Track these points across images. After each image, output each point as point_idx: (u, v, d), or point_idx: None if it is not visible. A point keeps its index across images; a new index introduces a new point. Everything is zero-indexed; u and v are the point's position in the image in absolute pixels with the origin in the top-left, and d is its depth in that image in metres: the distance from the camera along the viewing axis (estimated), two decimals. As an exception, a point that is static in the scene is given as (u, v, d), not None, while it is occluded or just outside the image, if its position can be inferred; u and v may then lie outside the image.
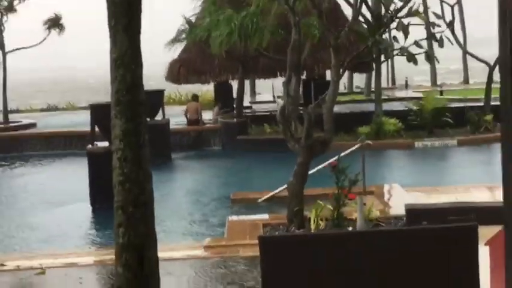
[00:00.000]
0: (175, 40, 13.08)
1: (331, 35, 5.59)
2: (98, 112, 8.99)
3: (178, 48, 13.64)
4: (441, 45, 6.46)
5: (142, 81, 2.56)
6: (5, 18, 14.40)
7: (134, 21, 2.47)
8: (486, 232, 2.56)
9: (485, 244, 2.66)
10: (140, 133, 2.52)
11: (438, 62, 12.00)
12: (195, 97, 14.46)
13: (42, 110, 20.74)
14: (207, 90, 17.61)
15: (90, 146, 8.63)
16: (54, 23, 14.53)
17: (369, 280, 3.12)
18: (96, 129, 9.08)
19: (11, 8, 14.05)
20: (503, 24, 0.58)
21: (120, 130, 2.45)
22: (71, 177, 10.24)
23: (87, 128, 9.69)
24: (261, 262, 3.30)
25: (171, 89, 16.83)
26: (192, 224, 7.48)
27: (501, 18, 0.59)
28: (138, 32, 2.51)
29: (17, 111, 18.74)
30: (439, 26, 7.15)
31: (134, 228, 2.43)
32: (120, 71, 2.44)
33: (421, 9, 8.21)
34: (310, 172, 5.43)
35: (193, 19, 13.05)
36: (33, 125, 15.41)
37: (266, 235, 4.17)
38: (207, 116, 14.61)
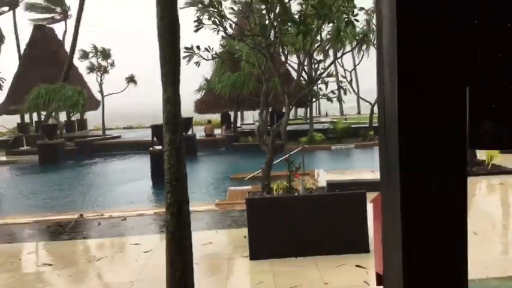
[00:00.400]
0: (199, 89, 17.61)
1: (285, 86, 7.01)
2: (156, 129, 11.75)
3: (199, 94, 18.15)
4: (345, 93, 7.87)
5: (180, 112, 3.18)
6: (102, 76, 19.69)
7: (176, 78, 3.16)
8: (371, 195, 3.07)
9: (370, 202, 3.26)
10: (179, 141, 3.24)
11: (344, 102, 16.01)
12: (209, 121, 18.86)
13: (123, 128, 26.37)
14: (216, 117, 21.58)
15: (151, 148, 10.99)
16: (131, 79, 19.92)
17: (303, 223, 4.28)
18: (154, 139, 12.23)
19: (105, 71, 19.86)
20: (379, 80, 0.76)
21: (168, 139, 3.16)
22: (140, 166, 12.79)
23: (149, 139, 12.78)
24: (247, 213, 4.40)
25: (197, 116, 20.87)
26: (208, 191, 9.48)
27: (378, 77, 0.76)
28: (178, 85, 3.18)
29: (110, 129, 23.26)
30: (344, 82, 8.13)
31: (176, 193, 3.21)
32: (168, 106, 3.12)
33: (334, 73, 9.74)
34: (274, 162, 6.40)
35: (208, 77, 17.09)
36: (118, 137, 20.02)
37: (249, 197, 5.03)
38: (216, 131, 18.49)
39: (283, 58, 6.88)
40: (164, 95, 3.17)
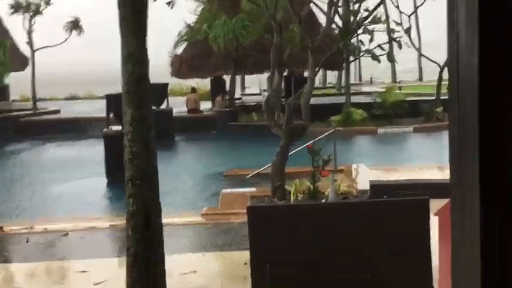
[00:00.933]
0: (178, 41, 17.25)
1: (309, 38, 7.54)
2: (112, 101, 11.82)
3: (180, 48, 17.64)
4: (400, 47, 8.76)
5: (148, 75, 3.35)
6: (33, 20, 19.04)
7: (141, 25, 3.35)
8: (436, 204, 3.34)
9: (435, 214, 3.55)
10: (146, 118, 3.37)
11: (397, 62, 15.13)
12: (193, 89, 18.98)
13: (65, 99, 26.41)
14: (204, 84, 21.65)
15: (105, 129, 11.26)
16: (74, 25, 19.33)
17: (334, 245, 4.42)
18: (111, 115, 12.40)
19: (37, 12, 19.15)
20: (450, 30, 0.81)
21: (130, 116, 3.29)
22: (90, 155, 13.13)
23: (103, 115, 12.96)
24: (249, 228, 4.52)
25: (176, 82, 21.11)
26: (191, 194, 9.64)
27: (449, 25, 0.83)
28: (145, 35, 3.36)
29: (44, 99, 23.58)
30: (398, 31, 9.06)
31: (141, 197, 3.34)
32: (129, 66, 3.32)
33: (383, 18, 10.40)
34: (290, 153, 6.70)
35: (192, 23, 17.04)
36: (57, 111, 20.27)
37: (253, 205, 4.97)
38: (204, 105, 18.69)
39: None
40: (124, 50, 3.35)
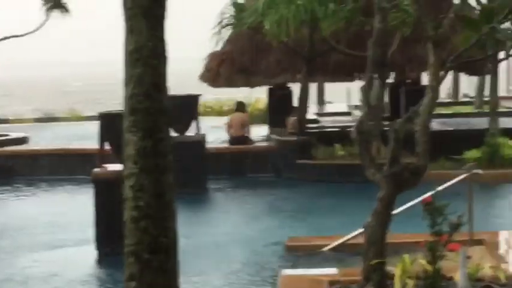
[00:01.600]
0: (218, 31, 14.43)
1: (430, 23, 6.29)
2: (109, 124, 9.80)
3: (220, 42, 15.29)
4: None
5: (166, 83, 2.63)
6: None
7: (157, 3, 2.58)
8: None
9: None
10: (161, 153, 2.58)
11: None
12: (240, 106, 16.11)
13: (36, 120, 24.11)
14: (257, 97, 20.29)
15: (96, 169, 9.40)
16: (56, 4, 16.79)
17: None
18: (105, 145, 10.07)
19: None
20: None
21: (134, 149, 2.53)
22: (74, 210, 11.66)
23: (92, 145, 11.14)
24: None
25: (209, 94, 18.92)
26: (235, 275, 8.39)
27: None
28: (162, 17, 2.61)
29: (5, 121, 22.09)
30: None
31: (151, 283, 2.54)
32: (137, 68, 2.53)
33: None
34: (395, 211, 5.95)
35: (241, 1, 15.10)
36: (24, 140, 17.67)
37: None
38: (258, 131, 16.58)
39: None
40: (128, 42, 2.65)
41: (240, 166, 14.45)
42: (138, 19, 2.58)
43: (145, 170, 2.56)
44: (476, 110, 20.14)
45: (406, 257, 5.10)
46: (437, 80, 6.11)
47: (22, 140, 17.86)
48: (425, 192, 6.28)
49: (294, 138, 14.74)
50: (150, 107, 2.57)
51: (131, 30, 2.60)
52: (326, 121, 18.28)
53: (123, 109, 2.65)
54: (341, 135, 13.31)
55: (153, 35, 2.59)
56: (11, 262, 9.38)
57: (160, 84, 2.61)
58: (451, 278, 4.77)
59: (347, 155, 12.64)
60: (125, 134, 2.65)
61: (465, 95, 25.77)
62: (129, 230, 2.58)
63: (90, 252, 9.03)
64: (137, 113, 2.57)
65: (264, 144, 15.59)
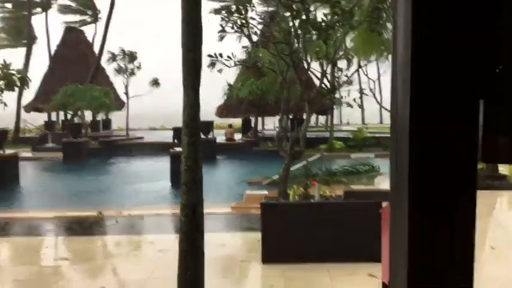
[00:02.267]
0: (223, 95, 30.83)
1: (307, 94, 9.29)
2: (177, 131, 19.23)
3: (222, 99, 31.53)
4: (361, 98, 19.95)
5: (199, 116, 4.61)
6: (129, 78, 34.91)
7: (197, 82, 4.58)
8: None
9: (380, 211, 4.85)
10: (196, 144, 4.54)
11: (364, 109, 36.14)
12: (230, 126, 31.86)
13: (147, 129, 39.96)
14: (237, 122, 34.06)
15: (171, 150, 16.92)
16: (155, 82, 34.86)
17: (317, 230, 6.40)
18: (175, 140, 20.88)
19: (132, 73, 34.78)
20: (393, 91, 1.37)
21: (186, 142, 4.49)
22: (161, 167, 18.62)
23: (171, 140, 22.56)
24: (261, 217, 6.44)
25: (218, 121, 32.21)
26: (225, 194, 14.02)
27: (392, 88, 1.34)
28: (199, 88, 4.60)
29: (133, 129, 37.02)
30: (365, 89, 21.81)
31: (191, 195, 4.49)
32: (187, 110, 4.49)
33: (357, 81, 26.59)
34: (292, 169, 8.66)
35: (232, 82, 30.16)
36: (141, 138, 32.84)
37: (264, 202, 7.41)
38: (237, 136, 30.23)
39: (306, 66, 10.21)
40: (185, 99, 4.89)
41: (229, 151, 27.15)
42: (189, 89, 4.72)
43: (190, 150, 4.63)
44: (324, 129, 33.91)
45: (295, 186, 7.92)
46: (309, 116, 9.43)
47: (140, 138, 32.85)
48: (303, 162, 11.10)
49: (252, 138, 28.94)
50: (192, 125, 4.60)
51: (186, 94, 4.87)
52: (265, 133, 31.74)
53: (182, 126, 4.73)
54: (271, 138, 24.59)
55: (194, 96, 4.78)
56: (129, 189, 16.31)
57: (196, 117, 4.66)
58: (313, 196, 7.55)
59: (273, 146, 21.16)
60: (182, 136, 4.76)
61: (320, 123, 41.77)
62: (183, 174, 4.68)
63: (167, 184, 16.03)
64: (187, 127, 4.59)
65: (240, 141, 29.37)
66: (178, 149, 16.14)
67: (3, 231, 9.74)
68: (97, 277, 7.01)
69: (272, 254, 6.84)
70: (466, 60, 0.92)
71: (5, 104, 22.52)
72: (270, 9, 25.79)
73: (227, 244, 8.15)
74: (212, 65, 9.05)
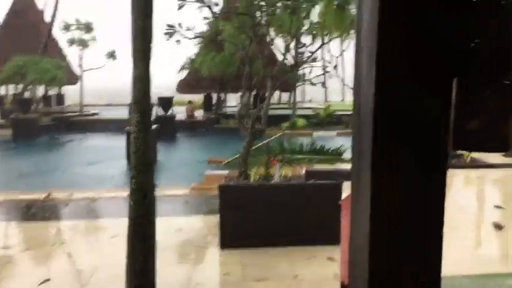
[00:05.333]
0: (182, 69, 30.33)
1: (269, 70, 9.05)
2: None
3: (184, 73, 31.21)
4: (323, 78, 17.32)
5: (150, 92, 4.49)
6: (83, 50, 33.88)
7: (148, 53, 4.39)
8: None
9: (340, 202, 4.64)
10: (147, 122, 4.41)
11: (327, 87, 33.47)
12: (190, 102, 31.49)
13: (103, 105, 38.96)
14: (199, 98, 33.93)
15: (127, 127, 15.27)
16: (111, 55, 33.57)
17: (276, 213, 6.39)
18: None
19: (85, 44, 33.56)
20: (356, 67, 0.99)
21: (135, 120, 4.36)
22: (118, 145, 18.15)
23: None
24: (219, 200, 6.36)
25: (179, 97, 31.96)
26: (184, 174, 13.85)
27: (356, 58, 0.99)
28: (149, 59, 4.43)
29: (88, 105, 35.83)
30: (328, 67, 15.88)
31: (141, 179, 4.37)
32: (137, 84, 4.33)
33: (320, 58, 24.30)
34: (253, 148, 8.46)
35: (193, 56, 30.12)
36: (96, 114, 32.19)
37: (223, 183, 7.48)
38: (199, 113, 30.38)
39: (268, 40, 10.11)
40: (134, 72, 4.67)
41: (190, 128, 27.38)
42: (137, 62, 4.54)
43: (140, 130, 4.52)
44: (287, 107, 32.62)
45: (256, 167, 8.09)
46: (271, 93, 9.18)
47: (95, 114, 31.96)
48: (265, 140, 10.16)
49: (213, 116, 28.83)
50: (142, 102, 4.51)
51: (135, 66, 4.59)
52: (228, 110, 31.58)
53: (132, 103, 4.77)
54: (233, 116, 23.98)
55: (145, 69, 4.61)
56: (81, 169, 15.86)
57: (147, 92, 4.53)
58: (272, 177, 7.70)
59: (236, 123, 19.21)
60: (132, 113, 4.68)
61: (283, 101, 40.24)
62: (132, 156, 4.60)
63: (124, 163, 14.94)
64: (137, 104, 4.53)
65: (200, 118, 29.42)
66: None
67: None
68: (43, 266, 6.71)
69: (230, 238, 6.81)
70: (437, 34, 0.86)
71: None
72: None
73: (184, 229, 7.98)
74: (170, 35, 8.44)
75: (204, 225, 8.39)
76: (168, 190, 10.12)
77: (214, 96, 32.33)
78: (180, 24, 8.59)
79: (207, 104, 32.05)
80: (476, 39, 0.84)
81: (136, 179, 4.63)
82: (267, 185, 7.47)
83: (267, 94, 9.19)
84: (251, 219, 6.73)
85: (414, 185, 0.88)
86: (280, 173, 7.72)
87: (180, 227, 7.96)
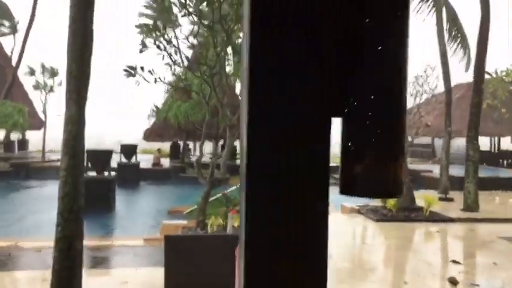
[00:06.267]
0: (149, 116, 30.65)
1: (228, 118, 8.96)
2: (91, 154, 17.56)
3: (151, 121, 30.60)
4: None
5: (83, 134, 4.27)
6: (47, 95, 33.47)
7: (83, 94, 4.24)
8: None
9: (236, 253, 4.61)
10: (78, 167, 4.08)
11: None
12: (158, 150, 31.69)
13: None
14: (165, 147, 33.89)
15: (84, 174, 10.60)
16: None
17: (222, 262, 5.66)
18: (89, 164, 18.25)
19: (51, 90, 33.17)
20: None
21: (65, 164, 4.09)
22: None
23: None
24: (165, 252, 6.09)
25: (147, 145, 32.41)
26: (141, 224, 13.07)
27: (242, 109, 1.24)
28: (85, 101, 4.27)
29: (51, 151, 34.15)
30: None
31: (67, 227, 4.07)
32: (68, 126, 4.13)
33: None
34: (211, 199, 8.54)
35: (160, 105, 30.08)
36: (58, 160, 28.25)
37: (168, 235, 7.21)
38: (166, 161, 30.48)
39: (228, 89, 10.21)
40: (66, 113, 4.42)
41: (155, 176, 26.70)
42: (70, 102, 4.40)
43: (69, 174, 4.26)
44: None
45: (213, 216, 8.08)
46: (231, 142, 9.04)
47: (58, 160, 29.28)
48: (225, 189, 9.98)
49: (179, 164, 28.16)
50: (74, 145, 4.27)
51: (68, 106, 4.42)
52: (193, 159, 31.62)
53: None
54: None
55: (78, 110, 4.38)
56: (36, 215, 15.08)
57: (80, 134, 4.30)
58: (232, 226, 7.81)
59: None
60: (61, 156, 4.38)
61: None
62: (59, 202, 4.26)
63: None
64: (67, 146, 4.28)
65: (166, 167, 28.84)
66: (92, 174, 17.22)
67: None
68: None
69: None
70: (311, 77, 0.80)
71: None
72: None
73: (130, 281, 7.69)
74: (127, 75, 8.27)
75: (152, 278, 8.11)
76: (121, 240, 9.94)
77: (182, 144, 32.19)
78: (142, 68, 8.60)
79: (173, 153, 31.98)
80: (356, 77, 0.76)
81: (63, 227, 4.33)
82: (212, 235, 7.34)
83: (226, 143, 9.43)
84: (194, 270, 6.54)
85: (292, 238, 0.81)
86: (232, 223, 7.62)
87: (126, 279, 7.72)
